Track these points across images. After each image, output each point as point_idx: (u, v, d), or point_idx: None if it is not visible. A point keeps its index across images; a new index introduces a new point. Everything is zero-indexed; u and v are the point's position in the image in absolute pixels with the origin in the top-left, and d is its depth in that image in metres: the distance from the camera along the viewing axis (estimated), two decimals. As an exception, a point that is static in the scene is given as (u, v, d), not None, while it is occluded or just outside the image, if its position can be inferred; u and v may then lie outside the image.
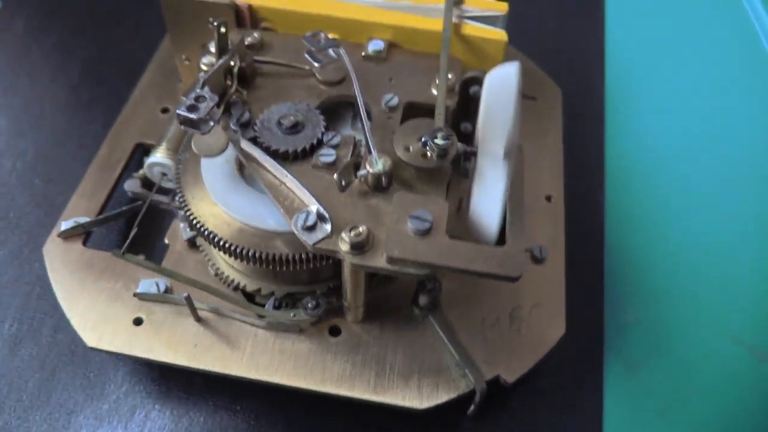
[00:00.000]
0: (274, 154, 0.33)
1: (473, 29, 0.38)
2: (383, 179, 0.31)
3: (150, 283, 0.36)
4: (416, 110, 0.36)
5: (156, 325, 0.35)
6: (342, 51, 0.35)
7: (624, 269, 0.43)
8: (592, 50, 0.54)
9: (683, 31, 0.56)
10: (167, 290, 0.36)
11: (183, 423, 0.36)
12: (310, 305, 0.35)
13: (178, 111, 0.31)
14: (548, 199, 0.42)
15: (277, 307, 0.36)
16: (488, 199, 0.32)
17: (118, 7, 0.58)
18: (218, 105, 0.34)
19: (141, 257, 0.36)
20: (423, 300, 0.35)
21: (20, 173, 0.46)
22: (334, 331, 0.36)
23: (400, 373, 0.34)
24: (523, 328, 0.36)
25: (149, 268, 0.35)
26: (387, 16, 0.38)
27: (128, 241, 0.35)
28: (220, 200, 0.34)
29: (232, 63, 0.35)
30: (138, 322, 0.35)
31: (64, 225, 0.38)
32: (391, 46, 0.38)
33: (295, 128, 0.33)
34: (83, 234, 0.39)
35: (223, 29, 0.33)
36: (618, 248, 0.44)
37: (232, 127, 0.34)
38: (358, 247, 0.30)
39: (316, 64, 0.35)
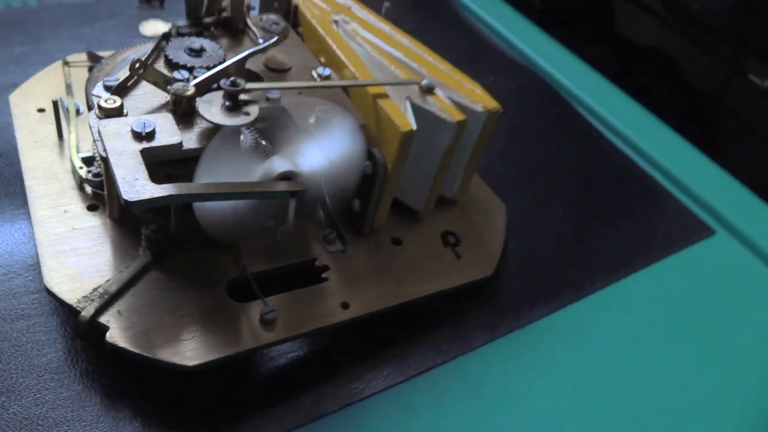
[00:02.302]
0: (165, 57, 0.40)
1: (390, 105, 0.38)
2: (171, 99, 0.35)
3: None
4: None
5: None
6: (274, 38, 0.40)
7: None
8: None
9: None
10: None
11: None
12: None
13: (136, -11, 0.41)
14: None
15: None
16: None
17: None
18: (188, 19, 0.43)
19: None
20: (143, 238, 0.37)
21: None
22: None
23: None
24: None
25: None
26: (362, 69, 0.41)
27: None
28: None
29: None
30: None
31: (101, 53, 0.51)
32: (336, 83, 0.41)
33: (191, 52, 0.40)
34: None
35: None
36: None
37: (173, 30, 0.42)
38: (100, 109, 0.34)
39: (259, 38, 0.41)
